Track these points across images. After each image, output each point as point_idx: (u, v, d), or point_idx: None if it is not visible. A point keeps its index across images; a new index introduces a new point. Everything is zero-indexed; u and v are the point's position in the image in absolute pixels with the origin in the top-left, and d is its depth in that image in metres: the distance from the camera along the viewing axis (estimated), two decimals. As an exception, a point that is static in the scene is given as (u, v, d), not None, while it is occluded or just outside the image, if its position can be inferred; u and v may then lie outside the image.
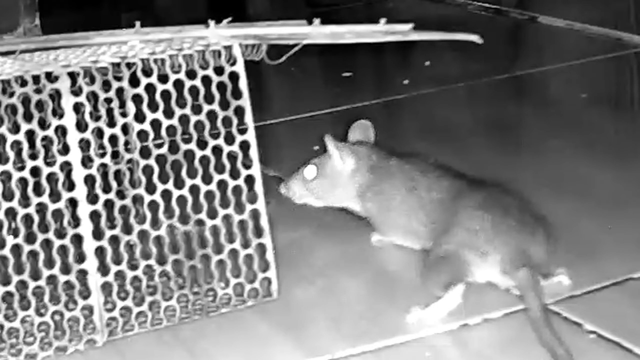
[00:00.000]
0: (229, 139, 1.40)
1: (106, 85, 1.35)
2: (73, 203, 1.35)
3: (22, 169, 1.33)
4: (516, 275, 1.32)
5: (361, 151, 1.60)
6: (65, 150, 1.34)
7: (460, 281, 1.36)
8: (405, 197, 1.51)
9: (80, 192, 1.35)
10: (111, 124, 1.37)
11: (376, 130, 1.66)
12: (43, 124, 1.34)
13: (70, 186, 1.35)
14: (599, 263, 1.48)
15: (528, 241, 1.36)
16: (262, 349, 1.35)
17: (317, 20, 1.50)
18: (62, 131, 1.34)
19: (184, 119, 1.39)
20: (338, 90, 2.42)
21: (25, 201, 1.33)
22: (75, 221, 1.36)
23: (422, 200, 1.49)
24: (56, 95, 1.34)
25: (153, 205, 1.39)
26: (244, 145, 1.41)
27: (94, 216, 1.36)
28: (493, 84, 2.40)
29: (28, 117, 1.33)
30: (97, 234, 1.36)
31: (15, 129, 1.33)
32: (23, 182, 1.33)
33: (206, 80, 1.38)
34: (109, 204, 1.37)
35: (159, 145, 1.38)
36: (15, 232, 1.33)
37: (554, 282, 1.41)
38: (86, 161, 1.35)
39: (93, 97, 1.36)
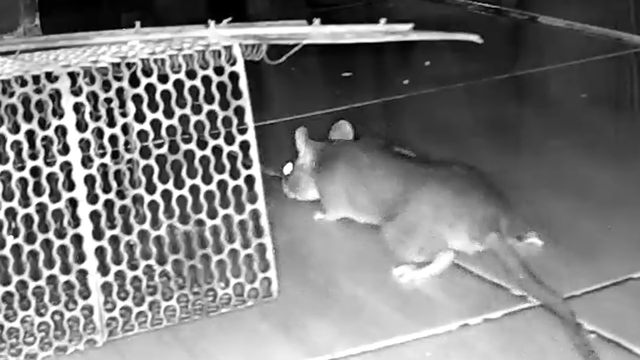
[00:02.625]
0: (229, 139, 1.40)
1: (106, 85, 1.35)
2: (73, 203, 1.35)
3: (22, 169, 1.33)
4: (486, 241, 1.44)
5: (318, 144, 1.73)
6: (65, 150, 1.34)
7: (437, 250, 1.47)
8: (345, 174, 1.63)
9: (80, 192, 1.35)
10: (111, 124, 1.37)
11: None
12: (43, 124, 1.34)
13: (70, 186, 1.35)
14: (599, 263, 1.48)
15: (493, 209, 1.46)
16: (262, 349, 1.35)
17: (317, 20, 1.50)
18: (62, 131, 1.34)
19: (184, 119, 1.39)
20: (338, 90, 2.42)
21: (25, 201, 1.33)
22: (75, 221, 1.36)
23: (365, 177, 1.59)
24: (56, 95, 1.34)
25: (153, 205, 1.39)
26: (244, 145, 1.41)
27: (94, 216, 1.36)
28: (493, 84, 2.40)
29: (28, 117, 1.33)
30: (97, 234, 1.36)
31: (15, 129, 1.33)
32: (23, 182, 1.33)
33: (206, 80, 1.38)
34: (109, 204, 1.37)
35: (159, 145, 1.38)
36: (15, 232, 1.33)
37: (526, 242, 1.52)
38: (86, 161, 1.35)
39: (93, 97, 1.36)
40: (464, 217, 1.46)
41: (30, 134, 1.33)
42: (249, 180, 1.42)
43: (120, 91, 1.36)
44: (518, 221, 1.51)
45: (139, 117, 1.37)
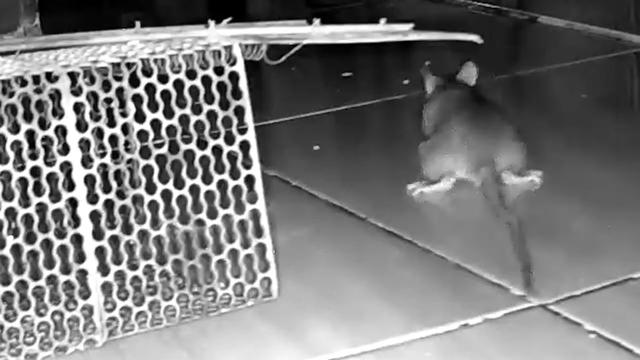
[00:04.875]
0: (229, 139, 1.40)
1: (106, 85, 1.35)
2: (73, 203, 1.35)
3: (22, 169, 1.33)
4: (478, 174, 1.71)
5: (438, 80, 1.98)
6: (65, 150, 1.34)
7: (447, 174, 1.77)
8: (432, 105, 1.94)
9: (80, 192, 1.35)
10: (111, 124, 1.37)
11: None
12: (43, 124, 1.34)
13: (70, 186, 1.35)
14: (599, 263, 1.48)
15: (491, 149, 1.74)
16: (262, 349, 1.35)
17: (317, 20, 1.50)
18: (62, 131, 1.34)
19: (184, 119, 1.39)
20: (338, 90, 2.42)
21: (25, 201, 1.33)
22: (75, 221, 1.36)
23: (435, 108, 1.91)
24: (56, 95, 1.34)
25: (153, 205, 1.39)
26: (244, 145, 1.41)
27: (94, 216, 1.36)
28: (493, 84, 2.40)
29: (28, 117, 1.33)
30: (97, 234, 1.36)
31: (15, 129, 1.33)
32: (23, 182, 1.33)
33: (206, 80, 1.38)
34: (109, 204, 1.37)
35: (159, 145, 1.38)
36: (15, 232, 1.33)
37: (527, 180, 1.77)
38: (86, 161, 1.35)
39: (93, 97, 1.36)
40: (465, 153, 1.74)
41: (30, 134, 1.33)
42: (249, 180, 1.42)
43: (120, 91, 1.36)
44: (521, 161, 1.77)
45: (139, 117, 1.37)
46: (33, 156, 1.34)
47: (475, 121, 1.79)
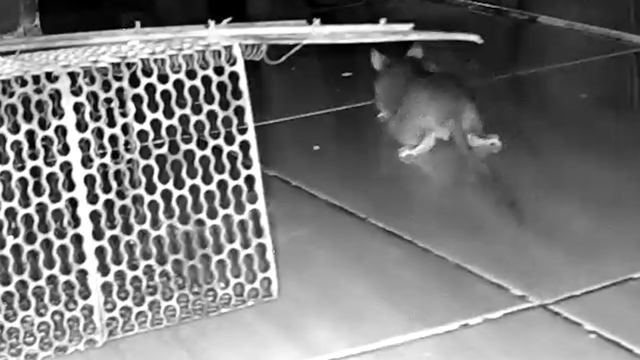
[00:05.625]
0: (229, 139, 1.40)
1: (106, 85, 1.35)
2: (73, 203, 1.35)
3: (22, 169, 1.33)
4: (447, 124, 1.92)
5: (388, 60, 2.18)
6: (65, 150, 1.34)
7: (425, 134, 1.96)
8: (385, 79, 2.16)
9: (80, 192, 1.35)
10: (111, 124, 1.37)
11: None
12: (43, 124, 1.34)
13: (70, 186, 1.34)
14: (599, 263, 1.48)
15: (455, 105, 1.94)
16: (262, 349, 1.35)
17: (317, 20, 1.50)
18: (62, 131, 1.34)
19: (184, 119, 1.39)
20: (338, 90, 2.42)
21: (25, 201, 1.33)
22: (75, 221, 1.36)
23: (388, 81, 2.15)
24: (56, 95, 1.34)
25: (153, 205, 1.39)
26: (244, 145, 1.41)
27: (94, 216, 1.36)
28: (493, 84, 2.40)
29: (28, 117, 1.33)
30: (97, 234, 1.36)
31: (15, 129, 1.33)
32: (23, 182, 1.33)
33: (206, 80, 1.38)
34: (109, 204, 1.37)
35: (159, 145, 1.38)
36: (15, 232, 1.33)
37: (487, 143, 1.96)
38: (86, 161, 1.35)
39: (93, 97, 1.36)
40: (432, 108, 1.95)
41: (30, 134, 1.33)
42: (249, 180, 1.42)
43: (120, 91, 1.36)
44: (480, 123, 1.95)
45: (139, 117, 1.37)
46: (33, 156, 1.34)
47: (435, 84, 2.00)
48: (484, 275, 1.47)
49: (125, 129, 1.38)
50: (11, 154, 1.32)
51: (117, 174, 1.40)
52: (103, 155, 1.37)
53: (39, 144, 1.35)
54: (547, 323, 1.34)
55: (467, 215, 1.71)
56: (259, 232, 1.43)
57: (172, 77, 1.37)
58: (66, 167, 1.34)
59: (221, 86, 1.39)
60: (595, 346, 1.27)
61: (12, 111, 1.33)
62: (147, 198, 1.38)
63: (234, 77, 1.40)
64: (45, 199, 1.33)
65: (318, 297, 1.47)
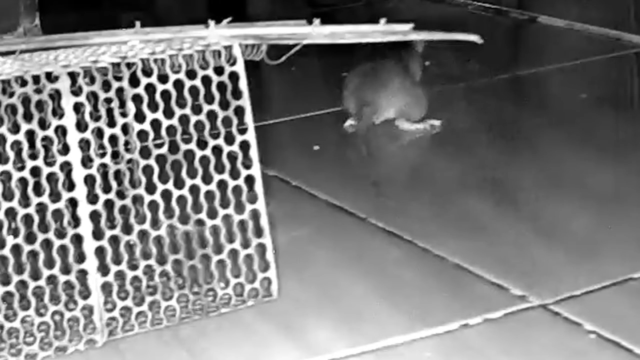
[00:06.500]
0: (229, 139, 1.40)
1: (106, 85, 1.35)
2: (73, 203, 1.35)
3: (22, 169, 1.33)
4: (360, 112, 2.11)
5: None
6: (65, 150, 1.34)
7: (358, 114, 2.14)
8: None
9: (80, 192, 1.35)
10: (111, 124, 1.37)
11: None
12: (43, 124, 1.34)
13: (70, 186, 1.34)
14: (599, 263, 1.48)
15: (374, 94, 2.12)
16: (262, 349, 1.35)
17: (317, 20, 1.50)
18: (62, 131, 1.34)
19: (184, 119, 1.39)
20: (338, 90, 2.42)
21: (25, 201, 1.33)
22: (75, 221, 1.35)
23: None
24: (56, 95, 1.34)
25: (153, 205, 1.39)
26: (244, 145, 1.41)
27: (94, 216, 1.36)
28: (493, 84, 2.40)
29: (28, 117, 1.33)
30: (97, 234, 1.36)
31: (15, 129, 1.33)
32: (23, 182, 1.33)
33: (206, 80, 1.38)
34: (109, 204, 1.37)
35: (159, 145, 1.38)
36: (15, 232, 1.33)
37: (422, 127, 2.13)
38: (86, 161, 1.35)
39: (93, 97, 1.36)
40: (352, 96, 2.14)
41: (30, 134, 1.33)
42: (249, 180, 1.42)
43: (120, 91, 1.36)
44: (415, 109, 2.11)
45: (139, 117, 1.37)
46: (33, 156, 1.34)
47: (368, 73, 2.15)
48: (484, 275, 1.47)
49: (125, 129, 1.38)
50: (11, 154, 1.32)
51: (117, 174, 1.40)
52: (103, 155, 1.37)
53: (39, 144, 1.35)
54: (547, 323, 1.34)
55: (467, 215, 1.71)
56: (259, 232, 1.43)
57: (172, 77, 1.37)
58: (66, 167, 1.34)
59: (221, 86, 1.39)
60: (595, 346, 1.27)
61: (12, 111, 1.33)
62: (147, 198, 1.38)
63: (234, 77, 1.40)
64: (45, 199, 1.33)
65: (318, 297, 1.47)
